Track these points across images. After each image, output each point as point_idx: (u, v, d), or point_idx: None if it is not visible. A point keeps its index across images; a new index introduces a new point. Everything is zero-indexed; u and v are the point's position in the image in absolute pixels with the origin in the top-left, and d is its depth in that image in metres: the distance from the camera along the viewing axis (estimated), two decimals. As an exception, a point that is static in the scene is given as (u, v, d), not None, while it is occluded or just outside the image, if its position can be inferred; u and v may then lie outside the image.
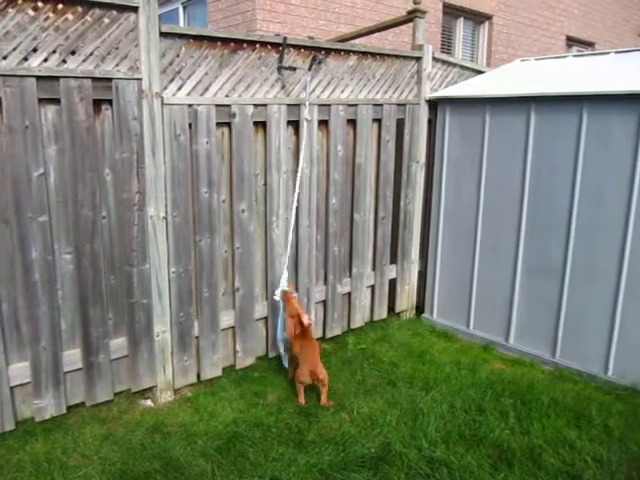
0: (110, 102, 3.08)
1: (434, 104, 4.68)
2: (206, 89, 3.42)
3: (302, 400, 3.49)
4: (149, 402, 3.52)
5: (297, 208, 3.98)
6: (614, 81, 3.73)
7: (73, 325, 3.21)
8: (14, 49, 2.72)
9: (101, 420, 3.28)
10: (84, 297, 3.18)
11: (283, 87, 3.76)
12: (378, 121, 4.42)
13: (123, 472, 2.83)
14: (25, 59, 2.77)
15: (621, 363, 3.73)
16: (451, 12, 9.92)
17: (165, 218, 3.36)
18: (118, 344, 3.37)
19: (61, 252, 3.10)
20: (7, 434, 3.06)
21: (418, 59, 4.57)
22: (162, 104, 3.22)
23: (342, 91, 4.11)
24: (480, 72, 5.07)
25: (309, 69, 3.80)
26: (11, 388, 3.05)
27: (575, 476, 2.81)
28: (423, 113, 4.69)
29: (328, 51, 3.96)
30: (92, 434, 3.15)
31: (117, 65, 3.05)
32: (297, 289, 4.13)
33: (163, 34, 3.17)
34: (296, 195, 3.92)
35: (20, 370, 3.07)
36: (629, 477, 2.83)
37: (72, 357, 3.22)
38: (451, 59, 5.02)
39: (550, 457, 2.97)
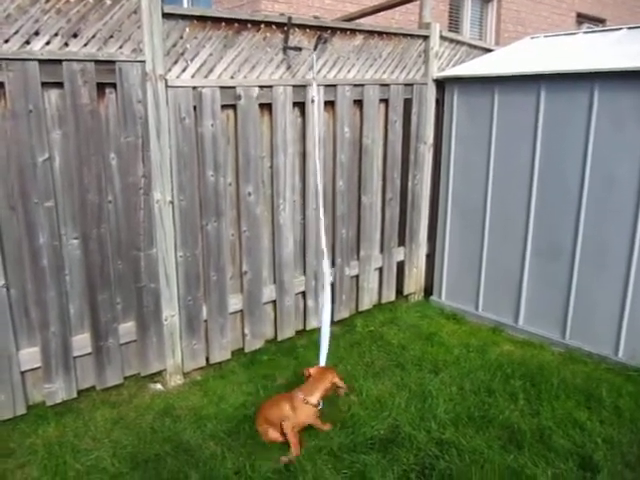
0: (114, 85, 3.04)
1: (442, 84, 4.60)
2: (210, 71, 3.37)
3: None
4: (159, 386, 3.54)
5: (304, 191, 3.95)
6: (626, 58, 3.64)
7: (82, 310, 3.22)
8: (16, 32, 2.69)
9: (111, 404, 3.31)
10: (92, 282, 3.18)
11: (289, 68, 3.71)
12: (385, 101, 4.35)
13: (134, 455, 2.85)
14: (27, 42, 2.74)
15: (632, 344, 3.70)
16: (459, -11, 9.75)
17: (171, 202, 3.34)
18: (127, 328, 3.38)
19: (68, 237, 3.09)
20: (19, 418, 3.09)
21: (425, 38, 4.49)
22: (166, 87, 3.18)
23: (348, 71, 4.05)
24: (488, 50, 4.98)
25: (315, 49, 3.74)
26: (22, 373, 3.08)
27: (585, 457, 2.81)
28: (431, 93, 4.62)
29: (334, 30, 3.90)
30: (103, 418, 3.17)
31: (120, 47, 3.02)
32: (305, 272, 4.12)
33: (166, 15, 3.12)
34: (319, 177, 3.83)
35: (30, 355, 3.09)
36: (640, 458, 2.82)
37: (81, 342, 3.23)
38: (459, 37, 4.94)
39: (560, 438, 2.96)
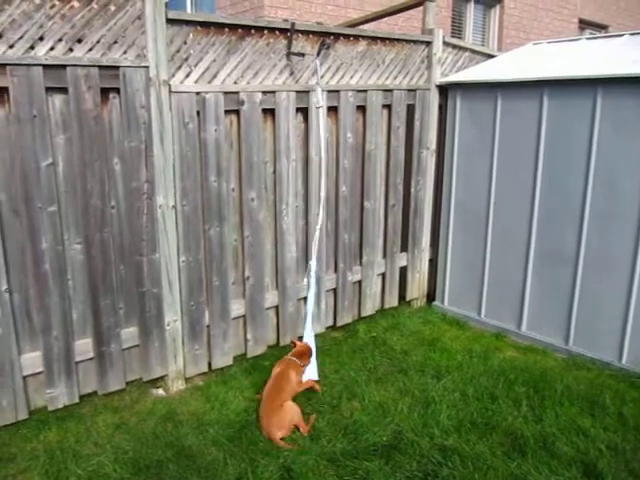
0: (118, 90, 3.05)
1: (445, 89, 4.61)
2: (214, 76, 3.38)
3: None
4: (161, 391, 3.53)
5: (307, 196, 3.95)
6: (629, 64, 3.64)
7: (84, 315, 3.22)
8: (20, 38, 2.70)
9: (113, 409, 3.30)
10: (94, 287, 3.18)
11: (292, 73, 3.72)
12: (388, 107, 4.36)
13: (136, 460, 2.84)
14: (32, 48, 2.75)
15: (635, 351, 3.69)
16: (461, -4, 9.78)
17: (174, 207, 3.34)
18: (129, 333, 3.37)
19: (71, 242, 3.09)
20: (21, 423, 3.08)
21: (428, 44, 4.50)
22: (170, 92, 3.19)
23: (351, 77, 4.06)
24: (491, 56, 4.98)
25: (318, 54, 3.75)
26: (24, 377, 3.07)
27: (589, 464, 2.79)
28: (434, 98, 4.63)
29: (337, 36, 3.91)
30: (105, 423, 3.16)
31: (124, 53, 3.03)
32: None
33: (170, 21, 3.13)
34: (324, 183, 3.94)
35: (32, 359, 3.08)
36: (644, 465, 2.80)
37: (84, 346, 3.23)
38: (462, 43, 4.94)
39: (564, 445, 2.95)
